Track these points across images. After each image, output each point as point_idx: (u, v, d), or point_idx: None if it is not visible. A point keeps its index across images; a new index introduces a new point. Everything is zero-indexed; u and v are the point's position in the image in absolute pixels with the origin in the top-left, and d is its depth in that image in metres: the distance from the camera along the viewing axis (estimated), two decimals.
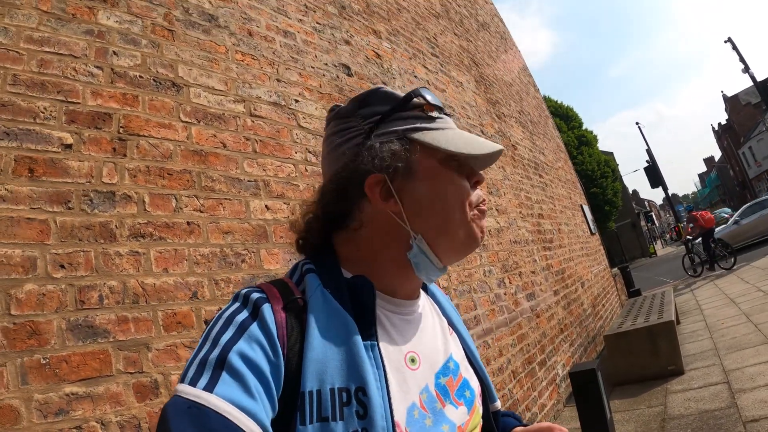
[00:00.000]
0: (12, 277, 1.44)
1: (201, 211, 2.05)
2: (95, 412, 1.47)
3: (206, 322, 1.88)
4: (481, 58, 7.16)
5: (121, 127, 1.90)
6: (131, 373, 1.59)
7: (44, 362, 1.41)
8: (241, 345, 0.62)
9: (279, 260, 2.32)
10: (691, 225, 13.39)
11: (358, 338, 0.68)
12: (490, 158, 0.83)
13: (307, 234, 0.84)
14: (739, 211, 18.25)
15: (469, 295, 3.98)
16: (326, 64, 3.30)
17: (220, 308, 1.90)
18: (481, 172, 0.84)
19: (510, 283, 4.83)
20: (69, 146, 1.71)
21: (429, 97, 0.81)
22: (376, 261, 0.78)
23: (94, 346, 1.53)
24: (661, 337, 5.20)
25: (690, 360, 5.41)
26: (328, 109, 0.87)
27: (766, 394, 3.79)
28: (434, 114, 0.81)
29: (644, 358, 5.25)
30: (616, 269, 11.80)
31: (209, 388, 0.58)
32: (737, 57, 14.64)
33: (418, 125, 0.78)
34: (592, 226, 10.56)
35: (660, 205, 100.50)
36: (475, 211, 0.80)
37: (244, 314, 0.67)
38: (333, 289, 0.73)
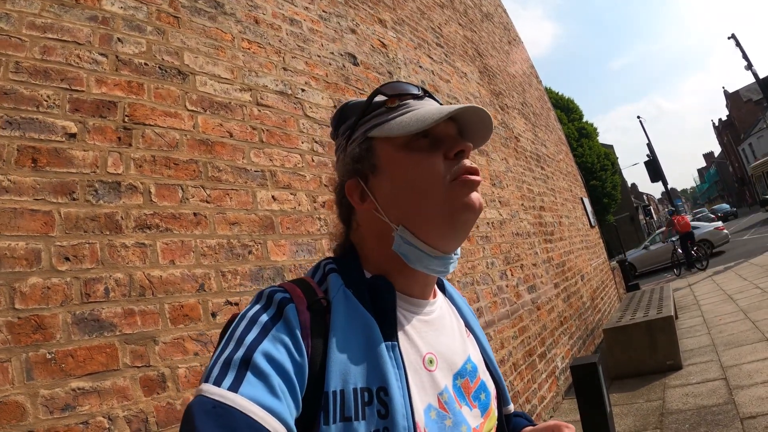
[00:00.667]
0: (16, 271, 1.40)
1: (207, 202, 2.02)
2: (102, 407, 1.44)
3: (213, 315, 1.85)
4: (485, 49, 7.10)
5: (126, 115, 1.86)
6: (138, 367, 1.57)
7: (50, 357, 1.38)
8: (266, 345, 0.62)
9: (286, 252, 2.29)
10: (670, 228, 14.55)
11: (380, 339, 0.69)
12: (476, 123, 0.81)
13: (337, 239, 0.88)
14: (650, 237, 20.06)
15: (472, 287, 3.97)
16: (332, 53, 3.25)
17: (227, 300, 1.89)
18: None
19: (512, 275, 4.82)
20: (73, 135, 1.67)
21: (390, 90, 0.81)
22: (379, 261, 0.79)
23: (101, 340, 1.50)
24: (660, 331, 5.22)
25: (688, 355, 5.43)
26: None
27: (763, 391, 3.81)
28: (396, 104, 0.80)
29: (643, 352, 5.27)
30: (614, 262, 11.82)
31: (234, 388, 0.58)
32: (740, 53, 14.59)
33: (375, 122, 0.80)
34: (592, 219, 10.56)
35: (659, 199, 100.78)
36: (457, 182, 0.76)
37: (268, 314, 0.67)
38: (355, 289, 0.73)
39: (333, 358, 0.65)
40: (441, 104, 0.82)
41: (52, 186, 1.56)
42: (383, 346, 0.68)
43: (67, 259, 1.52)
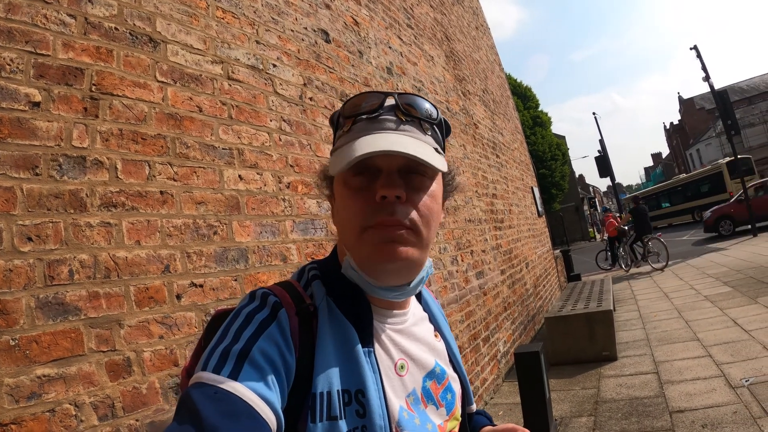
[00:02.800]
0: None
1: (174, 180, 1.95)
2: (68, 393, 1.40)
3: (178, 297, 1.81)
4: (453, 33, 7.09)
5: (94, 84, 1.76)
6: (104, 352, 1.52)
7: (13, 343, 1.32)
8: (262, 342, 0.67)
9: (250, 233, 2.26)
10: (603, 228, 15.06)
11: (359, 345, 0.74)
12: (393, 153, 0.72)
13: None
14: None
15: None
16: (306, 28, 3.17)
17: (192, 282, 1.85)
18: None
19: (462, 261, 4.92)
20: (37, 104, 1.57)
21: (347, 110, 0.79)
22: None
23: (65, 324, 1.45)
24: (599, 323, 5.47)
25: (623, 348, 5.71)
26: None
27: (692, 387, 4.07)
28: (349, 127, 0.78)
29: (581, 342, 5.52)
30: (558, 251, 12.22)
31: (233, 376, 0.62)
32: (700, 65, 15.15)
33: (335, 145, 0.81)
34: (540, 208, 10.85)
35: (604, 192, 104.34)
36: (370, 230, 0.72)
37: (263, 314, 0.71)
38: (336, 297, 0.79)
39: (319, 362, 0.70)
40: (395, 120, 0.76)
41: (14, 159, 1.46)
42: (361, 352, 0.73)
43: (30, 239, 1.44)
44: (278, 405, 0.63)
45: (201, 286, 1.92)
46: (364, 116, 0.76)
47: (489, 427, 0.98)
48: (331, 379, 0.70)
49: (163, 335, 1.72)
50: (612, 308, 5.90)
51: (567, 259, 11.90)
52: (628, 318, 7.30)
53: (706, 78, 14.85)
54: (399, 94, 0.78)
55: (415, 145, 0.72)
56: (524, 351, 4.06)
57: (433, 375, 0.85)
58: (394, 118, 0.76)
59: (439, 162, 0.74)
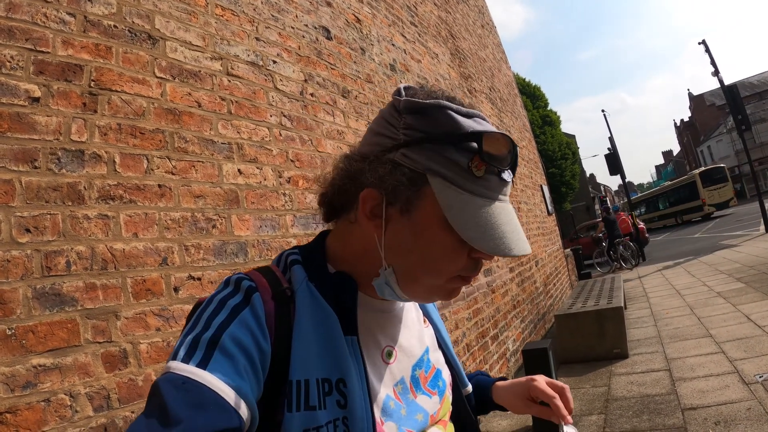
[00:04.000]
0: None
1: (173, 174, 1.97)
2: (63, 383, 1.41)
3: (176, 290, 1.83)
4: (458, 31, 7.08)
5: (93, 80, 1.78)
6: (100, 343, 1.54)
7: (10, 333, 1.34)
8: (233, 329, 0.64)
9: (250, 227, 2.27)
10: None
11: (340, 333, 0.71)
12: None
13: (324, 201, 0.83)
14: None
15: None
16: (306, 25, 3.19)
17: (190, 275, 1.86)
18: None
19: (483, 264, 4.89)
20: (37, 100, 1.59)
21: (488, 149, 0.68)
22: (356, 264, 0.78)
23: (62, 315, 1.46)
24: (609, 321, 5.42)
25: (634, 345, 5.66)
26: (400, 88, 0.74)
27: (704, 384, 4.01)
28: (481, 173, 0.68)
29: (591, 339, 5.47)
30: (568, 250, 12.17)
31: (202, 365, 0.60)
32: (709, 59, 14.98)
33: (448, 173, 0.68)
34: (549, 207, 10.79)
35: (615, 191, 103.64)
36: (457, 278, 0.74)
37: (236, 299, 0.69)
38: (318, 282, 0.75)
39: (296, 348, 0.68)
40: (511, 181, 0.73)
41: (13, 153, 1.48)
42: (343, 339, 0.71)
43: (28, 230, 1.46)
44: (251, 394, 0.62)
45: (199, 279, 1.93)
46: (496, 168, 0.69)
47: (505, 382, 1.00)
48: (309, 367, 0.67)
49: (160, 327, 1.73)
50: (623, 305, 5.85)
51: (577, 257, 11.83)
52: (639, 315, 7.25)
53: (716, 73, 14.67)
54: (513, 142, 0.71)
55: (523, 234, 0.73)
56: (532, 347, 4.04)
57: (422, 363, 0.84)
58: (510, 179, 0.73)
59: None
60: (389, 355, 0.79)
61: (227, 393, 0.59)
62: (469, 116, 0.70)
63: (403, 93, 0.72)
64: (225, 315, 0.66)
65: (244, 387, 0.61)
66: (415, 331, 0.87)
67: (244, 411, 0.60)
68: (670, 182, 35.87)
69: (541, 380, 0.89)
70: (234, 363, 0.62)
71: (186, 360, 0.61)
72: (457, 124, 0.68)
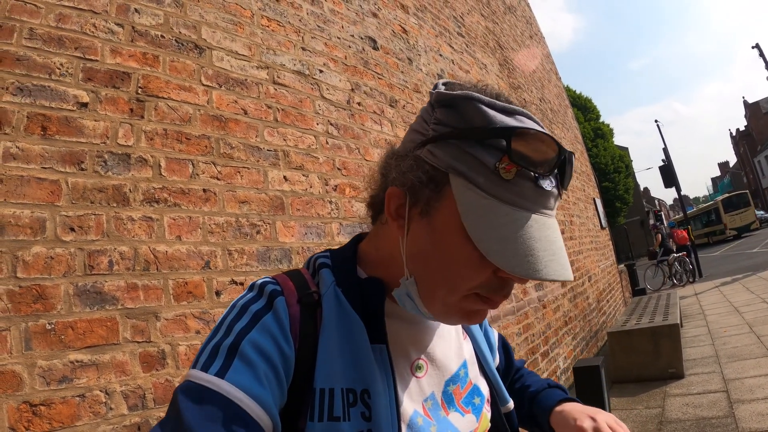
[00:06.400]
0: (20, 239, 1.38)
1: (218, 179, 1.99)
2: (99, 380, 1.42)
3: (217, 293, 1.83)
4: (506, 42, 7.01)
5: (140, 87, 1.83)
6: (138, 343, 1.54)
7: (49, 328, 1.36)
8: (254, 335, 0.62)
9: (295, 233, 2.26)
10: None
11: (366, 341, 0.67)
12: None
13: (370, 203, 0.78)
14: None
15: None
16: (352, 36, 3.20)
17: (232, 279, 1.86)
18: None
19: (512, 287, 4.77)
20: (85, 105, 1.64)
21: (520, 148, 0.58)
22: (386, 269, 0.72)
23: (102, 313, 1.48)
24: (665, 339, 5.17)
25: (690, 365, 5.38)
26: (438, 83, 0.68)
27: (764, 407, 3.76)
28: (510, 175, 0.59)
29: (646, 358, 5.23)
30: (622, 266, 11.76)
31: (221, 374, 0.58)
32: (763, 64, 14.34)
33: (471, 174, 0.60)
34: (603, 221, 10.46)
35: (670, 205, 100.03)
36: (478, 297, 0.65)
37: (258, 305, 0.66)
38: (345, 288, 0.71)
39: (322, 355, 0.65)
40: (556, 196, 0.63)
41: (60, 155, 1.53)
42: (369, 348, 0.67)
43: (72, 229, 1.49)
44: (271, 402, 0.59)
45: (242, 284, 1.93)
46: (532, 173, 0.59)
47: (564, 409, 0.87)
48: (334, 376, 0.64)
49: (200, 330, 1.73)
50: (679, 322, 5.56)
51: (632, 273, 11.41)
52: (696, 334, 6.88)
53: None
54: (567, 151, 0.62)
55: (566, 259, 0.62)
56: (584, 365, 3.88)
57: (457, 378, 0.78)
58: (556, 192, 0.63)
59: None
60: (419, 368, 0.73)
61: (245, 402, 0.57)
62: (507, 112, 0.61)
63: (440, 87, 0.67)
64: (246, 321, 0.64)
65: (264, 395, 0.59)
66: (451, 343, 0.81)
67: (264, 420, 0.58)
68: (695, 208, 38.66)
69: (604, 425, 0.78)
70: (254, 370, 0.59)
71: (205, 368, 0.60)
72: (488, 118, 0.60)
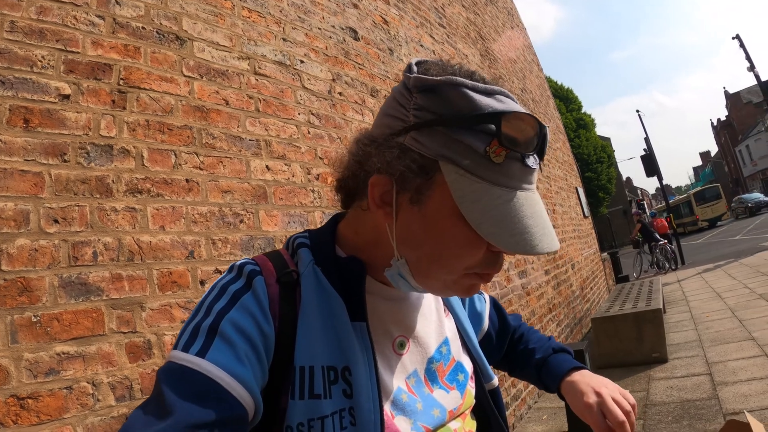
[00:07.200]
0: (3, 232, 1.38)
1: (200, 169, 2.00)
2: (86, 372, 1.43)
3: (202, 283, 1.84)
4: (488, 33, 7.03)
5: (122, 79, 1.82)
6: (124, 333, 1.56)
7: (35, 320, 1.37)
8: (234, 314, 0.63)
9: (278, 222, 2.28)
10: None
11: (346, 318, 0.68)
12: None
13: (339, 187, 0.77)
14: None
15: None
16: (333, 27, 3.20)
17: (217, 268, 1.87)
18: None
19: (504, 259, 4.83)
20: (67, 97, 1.64)
21: (509, 131, 0.59)
22: (369, 252, 0.73)
23: (87, 304, 1.49)
24: (648, 324, 5.24)
25: (674, 349, 5.46)
26: (411, 64, 0.66)
27: (747, 388, 3.84)
28: (500, 159, 0.60)
29: (629, 343, 5.30)
30: (605, 254, 11.91)
31: (201, 353, 0.59)
32: (744, 54, 14.53)
33: (462, 160, 0.61)
34: (585, 209, 10.58)
35: (652, 195, 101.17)
36: (474, 274, 0.67)
37: (237, 285, 0.67)
38: (324, 266, 0.72)
39: (302, 333, 0.66)
40: (537, 167, 0.65)
41: (43, 147, 1.53)
42: (350, 325, 0.68)
43: (56, 221, 1.49)
44: (253, 381, 0.60)
45: None
46: (518, 154, 0.61)
47: (576, 379, 0.90)
48: (314, 354, 0.65)
49: (185, 320, 1.74)
50: (661, 307, 5.66)
51: (615, 261, 11.56)
52: (679, 319, 7.00)
53: (751, 68, 14.20)
54: (544, 126, 0.63)
55: (552, 229, 0.65)
56: None
57: (440, 355, 0.79)
58: (537, 165, 0.65)
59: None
60: (401, 345, 0.74)
61: (226, 381, 0.58)
62: (488, 93, 0.61)
63: (415, 69, 0.65)
64: (225, 301, 0.65)
65: (244, 374, 0.59)
66: (432, 320, 0.82)
67: (245, 398, 0.59)
68: (676, 198, 40.38)
69: (609, 400, 0.81)
70: (234, 349, 0.60)
71: (186, 348, 0.60)
72: (473, 103, 0.60)
